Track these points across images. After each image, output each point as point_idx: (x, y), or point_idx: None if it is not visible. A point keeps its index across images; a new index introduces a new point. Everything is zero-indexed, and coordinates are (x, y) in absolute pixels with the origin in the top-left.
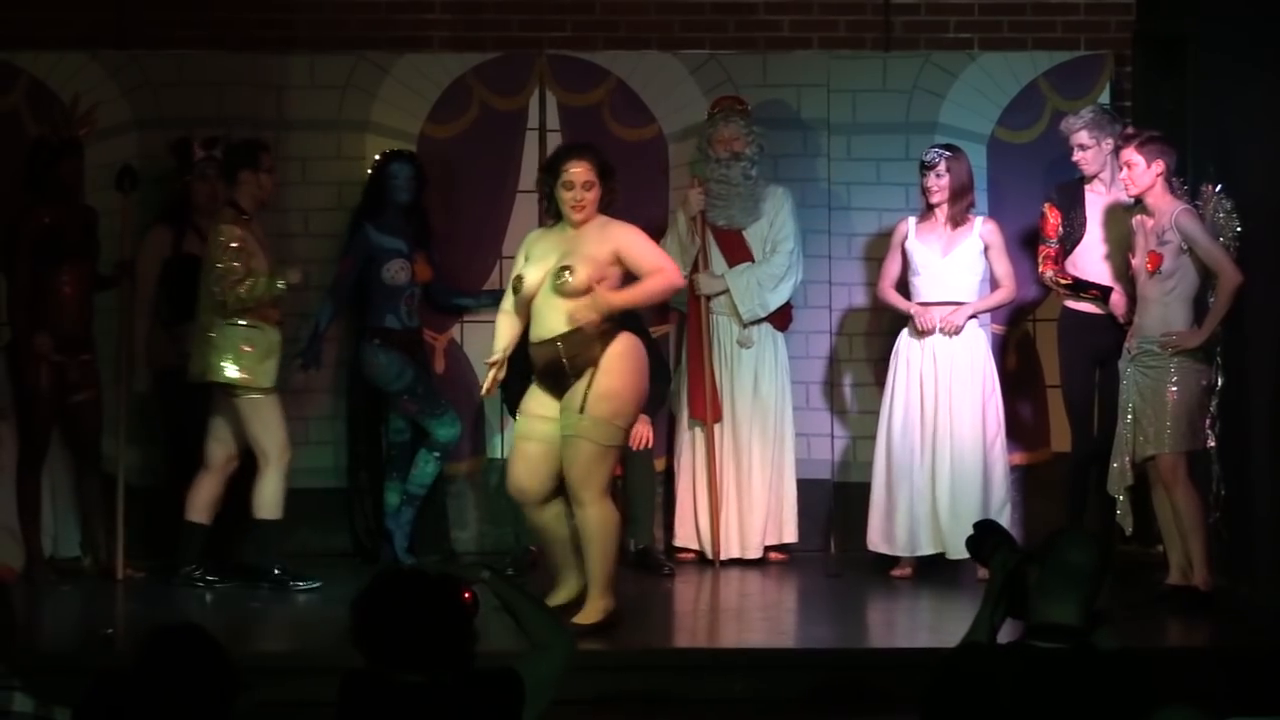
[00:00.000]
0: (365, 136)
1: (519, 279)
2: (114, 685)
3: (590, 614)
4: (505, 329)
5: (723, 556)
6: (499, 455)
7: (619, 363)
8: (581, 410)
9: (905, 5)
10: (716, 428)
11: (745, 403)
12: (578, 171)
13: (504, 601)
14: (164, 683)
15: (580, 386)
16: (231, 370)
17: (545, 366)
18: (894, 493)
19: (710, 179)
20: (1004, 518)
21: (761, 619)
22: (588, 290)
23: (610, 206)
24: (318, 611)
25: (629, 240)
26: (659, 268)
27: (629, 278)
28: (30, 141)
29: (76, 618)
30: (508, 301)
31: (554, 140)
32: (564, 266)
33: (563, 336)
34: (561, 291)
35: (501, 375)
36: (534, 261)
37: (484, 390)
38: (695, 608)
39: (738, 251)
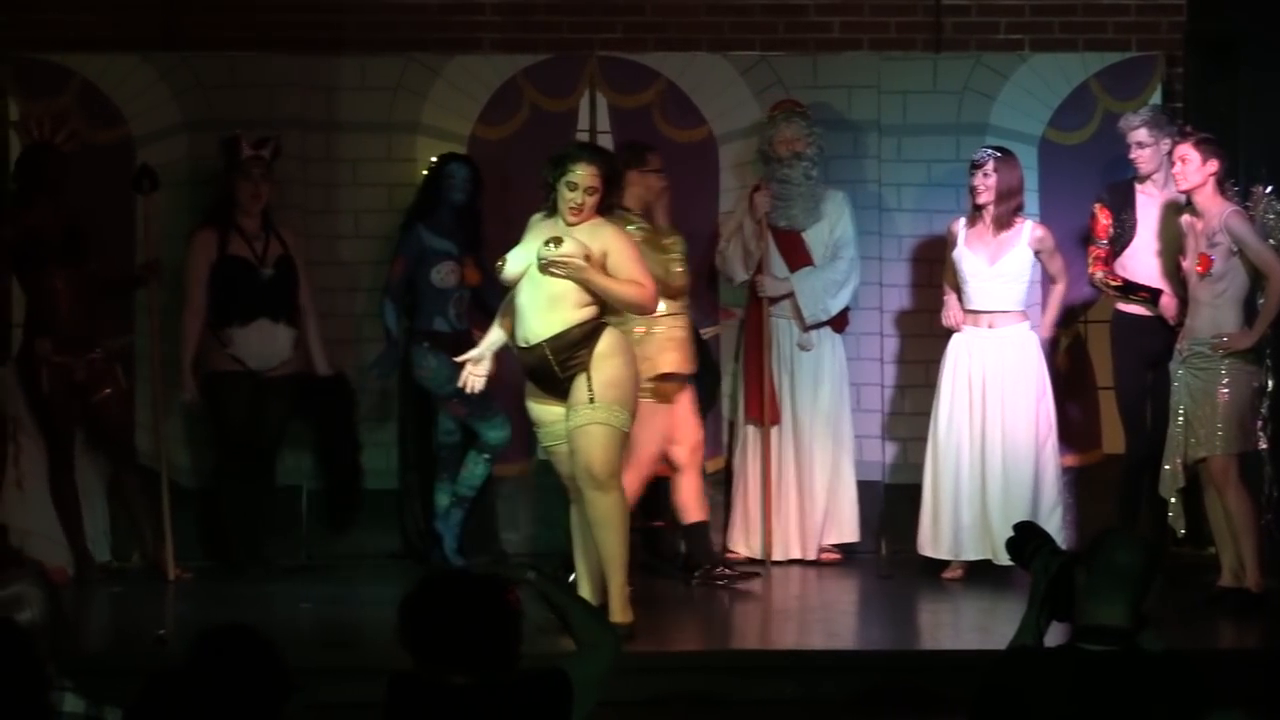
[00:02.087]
0: (416, 138)
1: (503, 261)
2: (165, 686)
3: (620, 611)
4: (496, 328)
5: (781, 557)
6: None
7: (611, 359)
8: (591, 400)
9: (956, 6)
10: (774, 430)
11: (806, 405)
12: (583, 175)
13: (550, 602)
14: (215, 683)
15: (581, 383)
16: (663, 365)
17: (534, 370)
18: (940, 496)
19: (772, 180)
20: (1055, 520)
21: (812, 620)
22: (572, 270)
23: (610, 211)
24: (366, 613)
25: (618, 246)
26: (639, 283)
27: None
28: (22, 150)
29: (127, 619)
30: (508, 301)
31: (604, 142)
32: (552, 238)
33: (548, 341)
34: (544, 260)
35: (481, 373)
36: (523, 248)
37: (462, 385)
38: (747, 609)
39: (797, 254)
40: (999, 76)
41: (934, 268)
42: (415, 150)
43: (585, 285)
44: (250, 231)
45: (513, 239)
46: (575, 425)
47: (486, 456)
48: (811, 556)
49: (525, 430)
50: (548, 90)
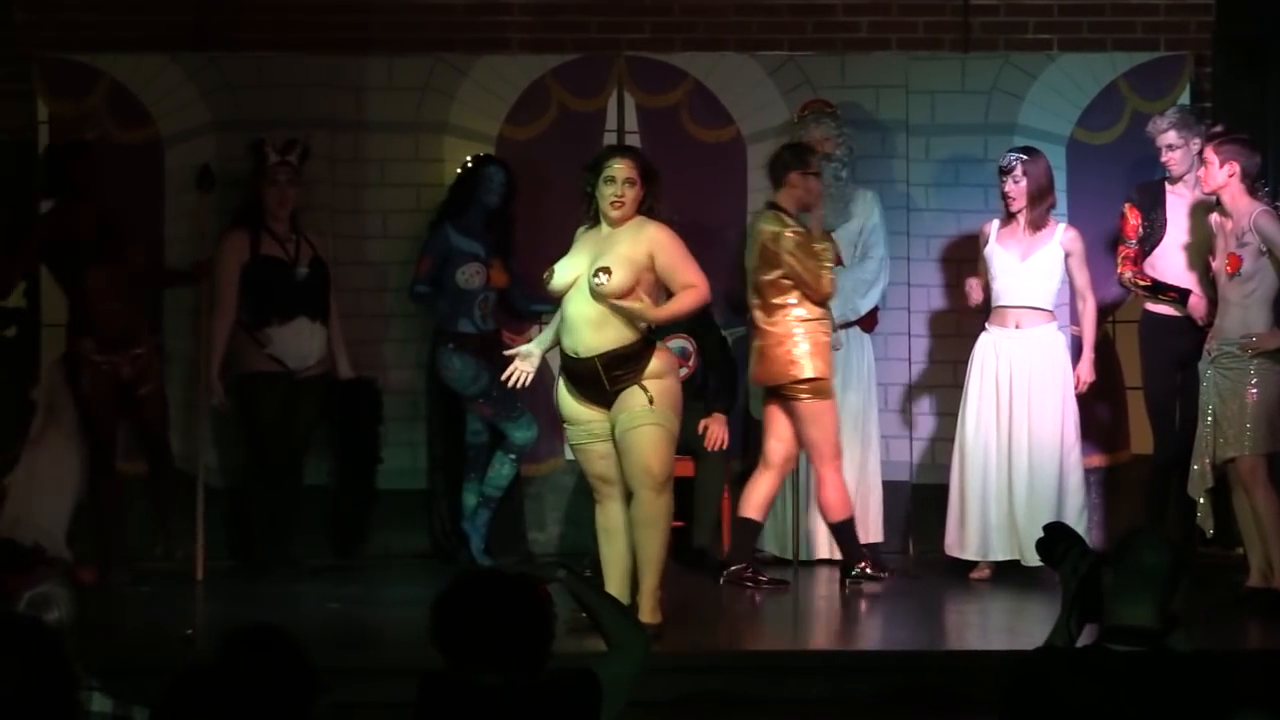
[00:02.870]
0: (443, 138)
1: (550, 272)
2: (193, 685)
3: (650, 612)
4: (550, 330)
5: (809, 557)
6: None
7: (663, 379)
8: (651, 403)
9: (984, 6)
10: None
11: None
12: (620, 168)
13: (580, 601)
14: (243, 683)
15: (632, 394)
16: (809, 370)
17: (582, 379)
18: (968, 496)
19: None
20: (1081, 523)
21: (840, 620)
22: (622, 295)
23: (651, 212)
24: (396, 613)
25: (664, 245)
26: (691, 284)
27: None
28: (46, 147)
29: (155, 619)
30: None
31: (632, 142)
32: (601, 268)
33: (600, 356)
34: (597, 292)
35: (529, 368)
36: (570, 259)
37: (506, 378)
38: (775, 609)
39: None
40: (1027, 76)
41: (962, 268)
42: (443, 150)
43: (649, 323)
44: (280, 233)
45: (539, 240)
46: (632, 426)
47: (513, 457)
48: (839, 556)
49: (553, 430)
50: (576, 90)
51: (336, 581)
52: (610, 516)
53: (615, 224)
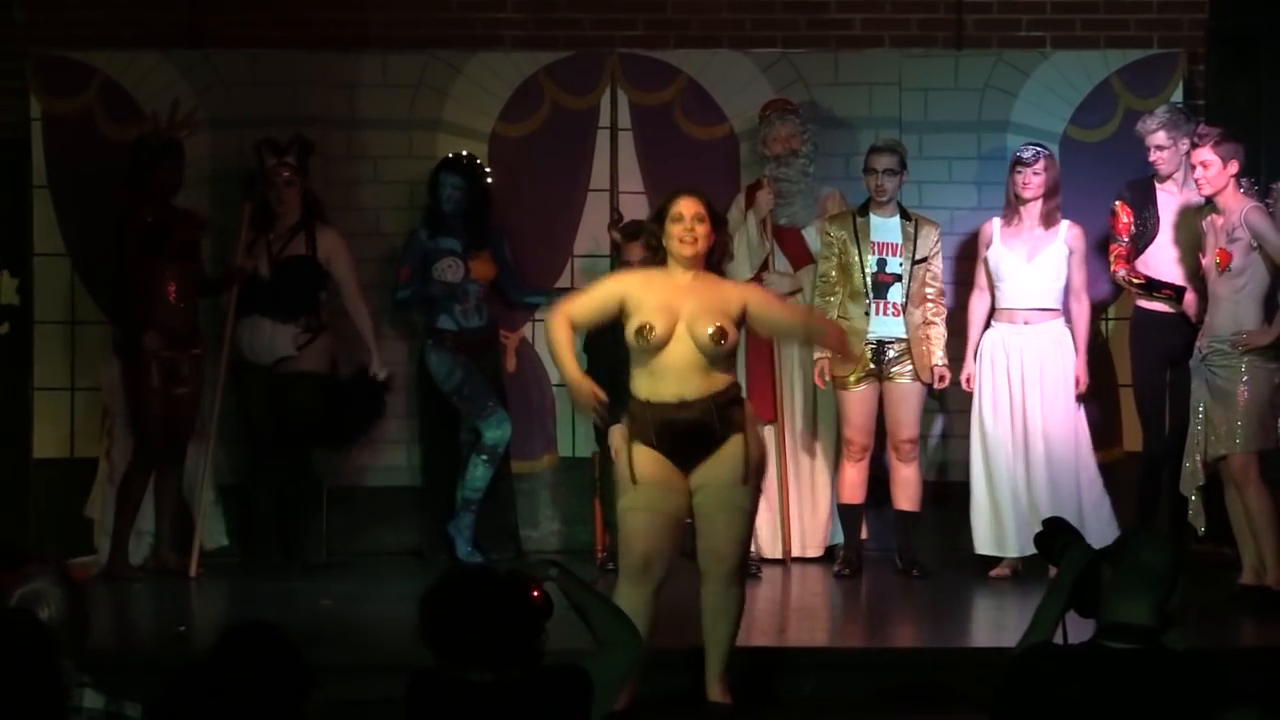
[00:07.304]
0: (437, 135)
1: (650, 328)
2: (187, 682)
3: (720, 692)
4: (570, 350)
5: (782, 555)
6: (570, 454)
7: (754, 426)
8: (745, 482)
9: (977, 4)
10: (771, 428)
11: (807, 403)
12: (686, 204)
13: (572, 599)
14: (237, 680)
15: (732, 455)
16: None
17: (688, 428)
18: (997, 493)
19: (773, 179)
20: (1104, 509)
21: (832, 618)
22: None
23: (720, 263)
24: (387, 609)
25: (761, 298)
26: (809, 313)
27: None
28: (132, 141)
29: (150, 615)
30: (564, 318)
31: (625, 139)
32: (719, 329)
33: (714, 396)
34: (711, 352)
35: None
36: (650, 311)
37: (598, 418)
38: (768, 607)
39: (798, 251)
40: (1020, 74)
41: (957, 265)
42: (436, 147)
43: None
44: (278, 231)
45: (534, 233)
46: (722, 508)
47: (484, 458)
48: (812, 554)
49: (542, 427)
50: (569, 87)
51: (329, 578)
52: (626, 599)
53: (689, 264)
